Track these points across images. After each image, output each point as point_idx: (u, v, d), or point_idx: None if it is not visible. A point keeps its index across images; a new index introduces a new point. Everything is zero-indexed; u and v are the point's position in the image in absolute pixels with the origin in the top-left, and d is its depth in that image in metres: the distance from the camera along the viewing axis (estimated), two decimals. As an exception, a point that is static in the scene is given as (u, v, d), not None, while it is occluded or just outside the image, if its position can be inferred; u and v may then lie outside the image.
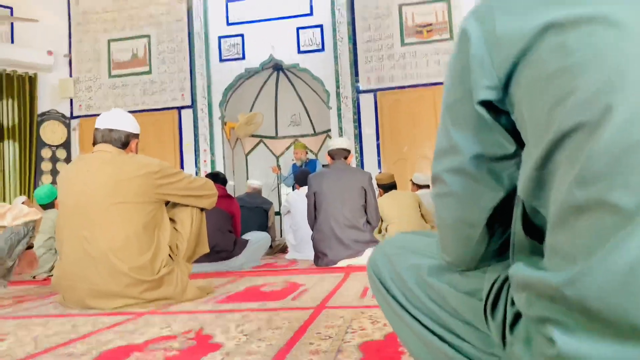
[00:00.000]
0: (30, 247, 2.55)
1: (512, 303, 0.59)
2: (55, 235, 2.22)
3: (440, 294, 0.75)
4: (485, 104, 0.57)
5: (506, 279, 0.65)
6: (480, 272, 0.70)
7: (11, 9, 6.58)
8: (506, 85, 0.55)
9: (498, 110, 0.58)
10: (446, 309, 0.74)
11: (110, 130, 2.20)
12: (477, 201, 0.63)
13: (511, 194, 0.62)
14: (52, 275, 3.84)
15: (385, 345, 1.29)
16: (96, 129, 2.23)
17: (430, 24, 6.23)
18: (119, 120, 2.24)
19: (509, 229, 0.65)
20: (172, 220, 2.31)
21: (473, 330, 0.70)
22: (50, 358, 1.35)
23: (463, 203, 0.64)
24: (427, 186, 5.22)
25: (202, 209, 2.42)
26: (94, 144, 2.23)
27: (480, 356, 0.68)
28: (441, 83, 6.06)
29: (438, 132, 0.69)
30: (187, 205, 2.34)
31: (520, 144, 0.58)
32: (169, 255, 2.21)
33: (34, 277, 3.96)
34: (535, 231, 0.58)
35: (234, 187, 7.05)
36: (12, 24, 6.56)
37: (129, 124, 2.26)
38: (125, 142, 2.23)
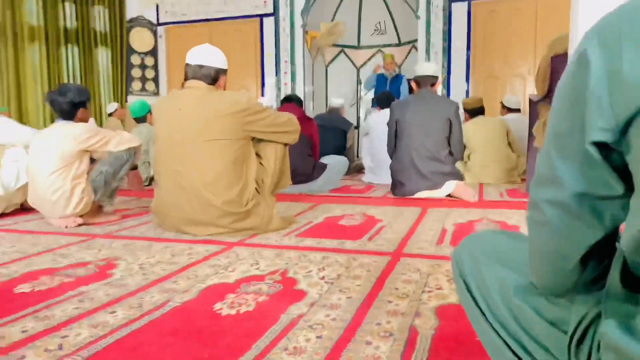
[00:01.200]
0: (134, 167, 2.76)
1: (599, 347, 0.58)
2: (154, 166, 2.39)
3: (524, 316, 0.75)
4: (598, 144, 0.53)
5: (595, 316, 0.63)
6: (566, 302, 0.69)
7: None
8: (624, 130, 0.50)
9: (610, 150, 0.53)
10: (527, 331, 0.75)
11: (201, 66, 2.24)
12: (574, 237, 0.61)
13: (610, 233, 0.59)
14: (146, 185, 4.19)
15: (461, 312, 1.32)
16: (187, 64, 2.28)
17: None
18: (209, 56, 2.27)
19: (601, 266, 0.63)
20: (257, 155, 2.39)
21: (551, 358, 0.71)
22: (157, 291, 1.52)
23: (559, 236, 0.62)
24: (518, 110, 4.92)
25: (285, 144, 2.48)
26: (185, 79, 2.30)
27: None
28: (545, -7, 5.46)
29: (540, 155, 0.65)
30: (270, 141, 2.40)
31: (629, 185, 0.54)
32: (255, 189, 2.32)
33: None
34: (634, 282, 0.56)
35: (313, 94, 7.02)
36: None
37: (217, 60, 2.29)
38: (214, 77, 2.27)
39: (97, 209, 2.66)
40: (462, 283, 0.90)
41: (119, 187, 2.73)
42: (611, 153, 0.53)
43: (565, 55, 3.00)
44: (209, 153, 2.16)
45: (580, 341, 0.64)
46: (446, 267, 1.74)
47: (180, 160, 2.19)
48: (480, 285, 0.85)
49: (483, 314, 0.84)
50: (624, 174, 0.53)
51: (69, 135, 2.49)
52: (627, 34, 0.48)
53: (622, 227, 0.57)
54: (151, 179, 4.29)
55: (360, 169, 5.28)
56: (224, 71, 2.32)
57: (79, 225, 2.57)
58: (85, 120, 2.65)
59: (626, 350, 0.48)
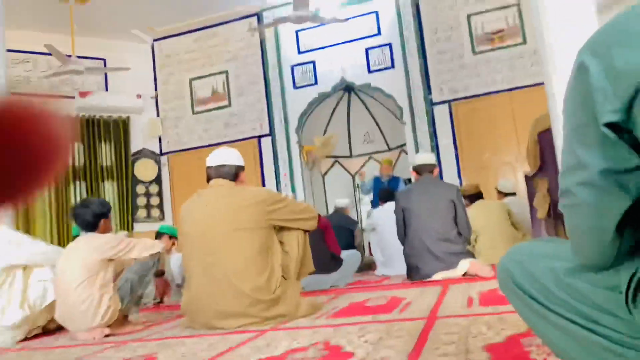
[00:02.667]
0: (162, 274, 2.82)
1: None
2: (184, 265, 2.47)
3: (581, 292, 0.82)
4: (610, 125, 0.66)
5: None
6: (614, 269, 0.78)
7: (104, 60, 7.27)
8: (628, 109, 0.63)
9: (621, 129, 0.66)
10: (589, 304, 0.82)
11: (222, 166, 2.44)
12: (606, 209, 0.71)
13: (637, 201, 0.70)
14: (157, 302, 4.18)
15: (509, 346, 1.36)
16: (208, 167, 2.48)
17: (502, 30, 6.18)
18: (228, 156, 2.49)
19: (637, 232, 0.73)
20: (280, 243, 2.49)
21: (618, 319, 0.77)
22: (204, 370, 1.53)
23: (594, 212, 0.73)
24: (514, 194, 5.13)
25: (305, 231, 2.59)
26: (208, 180, 2.48)
27: (628, 341, 0.75)
28: (517, 88, 5.98)
29: (562, 152, 0.79)
30: (291, 229, 2.52)
31: None
32: (282, 276, 2.39)
33: (144, 304, 4.31)
34: None
35: (313, 204, 7.26)
36: (105, 73, 7.24)
37: (235, 158, 2.50)
38: (235, 173, 2.46)
39: (123, 319, 2.67)
40: (514, 287, 0.97)
41: (142, 295, 2.76)
42: (622, 132, 0.67)
43: (549, 130, 3.27)
44: (238, 242, 2.27)
45: (635, 294, 0.72)
46: (484, 320, 1.77)
47: (211, 251, 2.29)
48: (533, 282, 0.93)
49: (543, 305, 0.90)
50: (637, 148, 0.66)
51: (93, 245, 2.59)
52: (613, 43, 0.65)
53: None
54: (162, 297, 4.28)
55: (370, 266, 5.32)
56: (243, 168, 2.52)
57: (107, 336, 2.56)
58: (108, 231, 2.77)
59: None
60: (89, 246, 2.59)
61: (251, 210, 2.31)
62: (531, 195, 3.72)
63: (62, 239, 6.44)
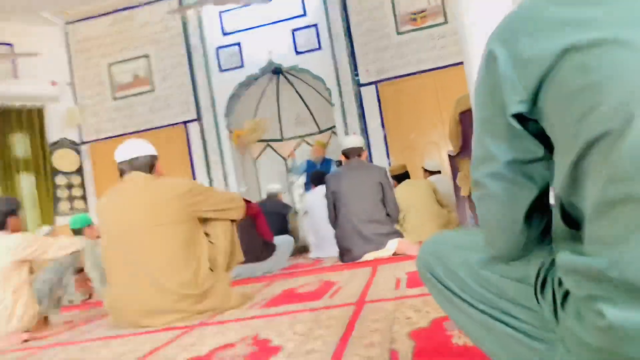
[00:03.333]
0: (80, 270, 2.67)
1: (559, 284, 0.69)
2: (104, 264, 2.35)
3: (494, 284, 0.85)
4: (517, 116, 0.67)
5: (550, 263, 0.76)
6: (524, 260, 0.81)
7: (12, 45, 6.71)
8: (534, 99, 0.64)
9: (527, 120, 0.68)
10: (501, 296, 0.84)
11: (135, 158, 2.31)
12: (515, 200, 0.74)
13: (542, 192, 0.73)
14: (86, 299, 4.00)
15: (433, 331, 1.40)
16: (120, 162, 2.34)
17: (424, 10, 6.31)
18: (138, 147, 2.36)
19: (543, 221, 0.77)
20: (206, 234, 2.43)
21: (528, 311, 0.80)
22: (127, 376, 1.47)
23: (503, 203, 0.75)
24: (439, 171, 5.31)
25: (232, 221, 2.54)
26: (121, 175, 2.35)
27: (538, 333, 0.78)
28: (440, 68, 6.15)
29: (473, 142, 0.80)
30: (217, 219, 2.46)
31: (547, 147, 0.69)
32: (209, 268, 2.34)
33: (70, 302, 4.10)
34: (573, 221, 0.68)
35: (247, 193, 7.18)
36: (13, 60, 6.69)
37: (148, 149, 2.38)
38: (151, 164, 2.35)
39: (43, 322, 2.52)
40: (432, 279, 0.97)
41: (63, 296, 2.61)
42: (528, 122, 0.68)
43: (469, 111, 3.39)
44: (160, 237, 2.18)
45: (543, 286, 0.75)
46: (409, 303, 1.82)
47: (131, 250, 2.19)
48: (448, 273, 0.93)
49: (460, 297, 0.91)
50: (542, 139, 0.68)
51: (3, 246, 2.41)
52: (520, 30, 0.65)
53: None
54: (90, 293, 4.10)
55: (305, 249, 5.35)
56: (157, 157, 2.40)
57: (25, 341, 2.41)
58: (19, 229, 2.58)
59: (582, 266, 0.58)
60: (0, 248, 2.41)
61: (172, 204, 2.22)
62: (455, 174, 3.87)
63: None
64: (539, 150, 0.70)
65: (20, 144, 6.72)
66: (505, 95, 0.67)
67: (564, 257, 0.64)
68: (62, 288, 2.57)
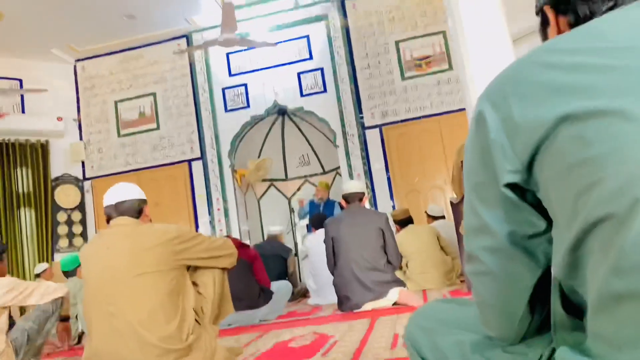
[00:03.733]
0: (65, 319, 2.56)
1: None
2: (83, 314, 2.24)
3: None
4: (511, 185, 0.59)
5: (549, 356, 0.65)
6: (523, 347, 0.71)
7: (20, 80, 6.81)
8: (529, 168, 0.56)
9: (524, 190, 0.59)
10: None
11: (122, 202, 2.22)
12: (516, 280, 0.64)
13: (547, 271, 0.63)
14: (75, 344, 3.86)
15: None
16: (106, 206, 2.24)
17: (429, 57, 6.36)
18: (126, 191, 2.27)
19: (548, 304, 0.66)
20: (194, 284, 2.31)
21: None
22: None
23: (502, 282, 0.65)
24: (443, 217, 5.21)
25: (223, 269, 2.43)
26: (108, 220, 2.26)
27: None
28: (445, 113, 6.14)
29: (465, 208, 0.71)
30: (207, 268, 2.35)
31: (549, 220, 0.59)
32: (195, 320, 2.21)
33: (59, 347, 3.96)
34: (575, 309, 0.59)
35: (248, 232, 7.08)
36: (22, 95, 6.77)
37: (136, 192, 2.29)
38: (139, 209, 2.25)
39: (19, 374, 2.39)
40: (417, 357, 0.89)
41: (44, 344, 2.49)
42: (525, 192, 0.59)
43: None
44: (142, 288, 2.06)
45: None
46: (403, 366, 1.70)
47: (111, 300, 2.07)
48: (437, 353, 0.84)
49: None
50: (542, 210, 0.59)
51: (-16, 293, 2.32)
52: (511, 93, 0.58)
53: None
54: (80, 336, 3.97)
55: (304, 294, 5.20)
56: (145, 201, 2.30)
57: (-1, 394, 2.28)
58: (2, 274, 2.49)
59: None
60: (-22, 294, 2.31)
61: (157, 251, 2.11)
62: (458, 221, 3.76)
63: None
64: (540, 223, 0.60)
65: (23, 179, 6.70)
66: (497, 163, 0.59)
67: (564, 355, 0.55)
68: (44, 336, 2.45)
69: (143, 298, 2.05)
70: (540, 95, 0.54)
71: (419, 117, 6.29)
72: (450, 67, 6.24)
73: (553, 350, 0.65)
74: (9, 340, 2.34)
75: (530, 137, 0.54)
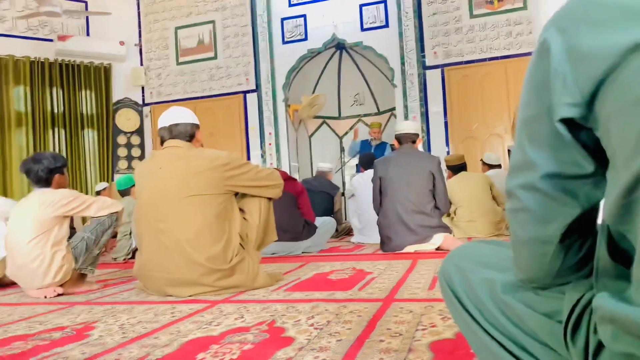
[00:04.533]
0: (114, 235, 2.71)
1: (596, 330, 0.56)
2: (135, 227, 2.35)
3: (516, 313, 0.73)
4: (566, 121, 0.54)
5: (588, 302, 0.61)
6: (557, 291, 0.68)
7: (86, 3, 6.92)
8: (590, 102, 0.51)
9: (579, 127, 0.54)
10: (521, 327, 0.73)
11: (176, 125, 2.27)
12: (551, 218, 0.61)
13: (586, 212, 0.60)
14: (129, 259, 4.11)
15: (456, 345, 1.26)
16: (160, 128, 2.31)
17: (502, -7, 5.90)
18: (180, 115, 2.32)
19: (584, 246, 0.63)
20: (241, 210, 2.36)
21: (550, 351, 0.68)
22: (136, 347, 1.43)
23: (537, 219, 0.62)
24: (499, 165, 5.02)
25: (269, 199, 2.46)
26: (162, 142, 2.31)
27: None
28: (513, 56, 5.77)
29: (513, 146, 0.66)
30: (254, 196, 2.39)
31: (600, 163, 0.55)
32: (240, 244, 2.28)
33: (114, 259, 4.24)
34: (622, 255, 0.54)
35: (298, 168, 7.13)
36: (87, 17, 6.90)
37: (189, 117, 2.34)
38: (191, 133, 2.30)
39: (77, 278, 2.57)
40: (450, 294, 0.88)
41: (100, 255, 2.65)
42: (580, 132, 0.54)
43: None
44: (191, 209, 2.14)
45: (576, 328, 0.61)
46: (439, 308, 1.68)
47: (162, 217, 2.16)
48: (469, 291, 0.84)
49: (475, 320, 0.81)
50: (594, 152, 0.55)
51: (47, 201, 2.46)
52: (583, 17, 0.51)
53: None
54: (134, 252, 4.21)
55: (348, 232, 5.25)
56: (198, 126, 2.35)
57: (59, 295, 2.47)
58: (64, 186, 2.62)
59: (622, 317, 0.46)
60: (42, 202, 2.46)
61: (207, 175, 2.16)
62: (514, 171, 3.60)
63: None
64: (588, 166, 0.56)
65: (86, 100, 6.96)
66: (554, 95, 0.54)
67: (603, 301, 0.51)
68: (100, 247, 2.60)
69: (191, 219, 2.12)
70: (613, 20, 0.48)
71: (485, 59, 5.93)
72: (525, 6, 5.78)
73: (590, 300, 0.60)
74: (69, 247, 2.50)
75: (597, 67, 0.48)
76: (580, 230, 0.62)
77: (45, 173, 2.52)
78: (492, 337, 0.76)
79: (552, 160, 0.57)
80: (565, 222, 0.60)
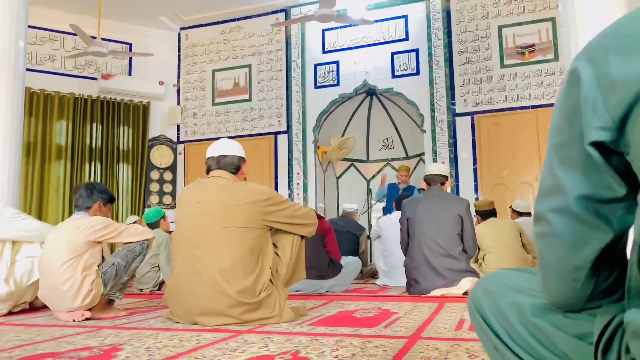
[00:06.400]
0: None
1: (627, 351, 0.56)
2: (171, 251, 2.40)
3: (546, 335, 0.72)
4: (597, 145, 0.55)
5: (620, 324, 0.60)
6: (588, 314, 0.67)
7: (130, 44, 7.31)
8: (620, 127, 0.52)
9: (610, 152, 0.55)
10: (552, 349, 0.71)
11: (224, 156, 2.35)
12: (582, 243, 0.61)
13: (618, 237, 0.60)
14: (155, 290, 4.14)
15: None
16: (209, 157, 2.39)
17: (533, 45, 5.98)
18: (229, 147, 2.40)
19: (616, 270, 0.63)
20: (274, 245, 2.39)
21: None
22: (161, 369, 1.44)
23: (568, 244, 0.62)
24: (529, 214, 4.94)
25: (302, 237, 2.49)
26: (208, 171, 2.39)
27: None
28: (544, 106, 5.79)
29: (543, 170, 0.68)
30: (288, 232, 2.42)
31: (631, 187, 0.56)
32: (269, 280, 2.29)
33: (140, 291, 4.28)
34: None
35: (324, 209, 7.15)
36: (130, 58, 7.27)
37: (237, 150, 2.42)
38: (237, 165, 2.38)
39: (105, 303, 2.61)
40: (479, 318, 0.88)
41: (128, 282, 2.70)
42: (611, 156, 0.56)
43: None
44: (228, 240, 2.18)
45: (606, 350, 0.61)
46: (466, 346, 1.65)
47: (198, 245, 2.20)
48: (498, 315, 0.83)
49: (504, 343, 0.80)
50: (625, 177, 0.55)
51: (81, 226, 2.54)
52: (611, 48, 0.54)
53: None
54: (160, 284, 4.25)
55: (373, 274, 5.19)
56: (244, 160, 2.43)
57: (87, 319, 2.50)
58: (103, 215, 2.71)
59: None
60: (77, 227, 2.55)
61: (247, 209, 2.21)
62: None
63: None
64: (620, 189, 0.56)
65: (123, 136, 7.23)
66: (585, 120, 0.55)
67: (635, 317, 0.51)
68: (129, 274, 2.65)
69: (227, 249, 2.16)
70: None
71: (516, 108, 5.97)
72: (556, 58, 5.83)
73: (622, 322, 0.60)
74: (99, 272, 2.56)
75: (626, 92, 0.50)
76: (612, 256, 0.61)
77: (89, 197, 2.62)
78: (521, 359, 0.75)
79: (584, 182, 0.58)
80: (598, 247, 0.60)
